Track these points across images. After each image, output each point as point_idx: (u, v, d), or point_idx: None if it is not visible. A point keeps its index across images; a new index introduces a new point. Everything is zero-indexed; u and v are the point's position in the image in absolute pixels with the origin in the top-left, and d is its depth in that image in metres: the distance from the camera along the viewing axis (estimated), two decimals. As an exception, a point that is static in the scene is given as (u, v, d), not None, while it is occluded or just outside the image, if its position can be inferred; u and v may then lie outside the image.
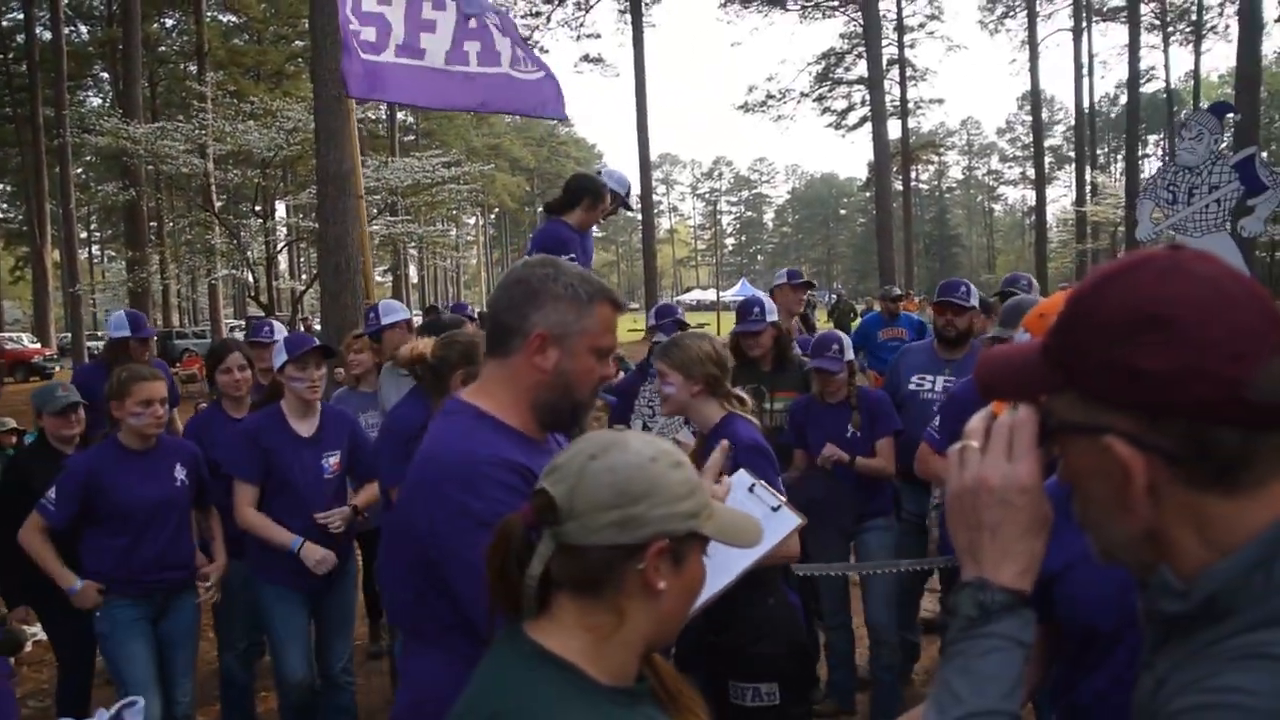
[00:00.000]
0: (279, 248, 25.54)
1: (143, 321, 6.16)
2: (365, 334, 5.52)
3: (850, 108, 46.66)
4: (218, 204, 23.47)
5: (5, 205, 49.63)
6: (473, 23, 6.21)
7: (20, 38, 36.77)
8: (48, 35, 32.58)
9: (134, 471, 4.04)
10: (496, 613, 1.35)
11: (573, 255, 5.29)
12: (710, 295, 58.17)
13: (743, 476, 2.38)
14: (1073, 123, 53.93)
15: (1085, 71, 46.45)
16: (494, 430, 1.85)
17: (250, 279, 22.98)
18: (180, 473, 4.16)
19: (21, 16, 35.24)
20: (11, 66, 39.72)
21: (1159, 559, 0.98)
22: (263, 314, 21.67)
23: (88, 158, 38.01)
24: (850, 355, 4.78)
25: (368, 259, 7.74)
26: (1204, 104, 53.48)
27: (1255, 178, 6.68)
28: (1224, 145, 7.15)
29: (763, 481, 2.38)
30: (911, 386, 5.01)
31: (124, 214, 28.71)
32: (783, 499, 2.36)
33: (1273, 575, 0.90)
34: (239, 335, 24.37)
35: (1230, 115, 8.17)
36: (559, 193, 5.59)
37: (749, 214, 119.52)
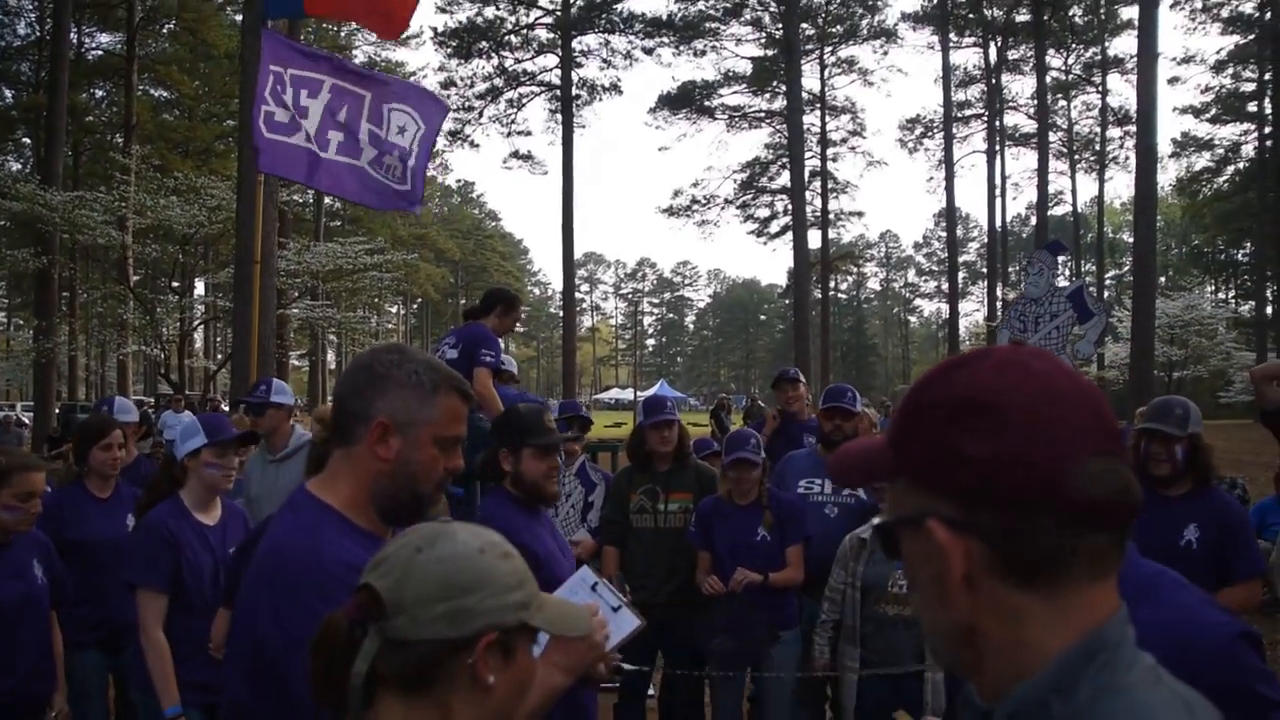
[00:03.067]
0: (194, 325, 25.16)
1: None
2: (243, 401, 5.51)
3: (773, 216, 47.48)
4: (134, 278, 23.11)
5: (-91, 266, 48.16)
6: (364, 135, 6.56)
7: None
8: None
9: None
10: (322, 713, 1.29)
11: (492, 353, 5.48)
12: (629, 394, 58.35)
13: (586, 573, 2.41)
14: (986, 240, 55.98)
15: (998, 192, 48.45)
16: (338, 528, 1.79)
17: (161, 355, 22.55)
18: (38, 569, 3.66)
19: (-57, 78, 34.76)
20: (-71, 127, 39.01)
21: (977, 660, 0.96)
22: (172, 391, 21.26)
23: (1, 223, 37.22)
24: (762, 454, 4.77)
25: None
26: (1108, 228, 56.26)
27: (1085, 306, 7.49)
28: (1060, 278, 8.05)
29: (605, 580, 2.41)
30: (800, 490, 5.10)
31: (34, 282, 28.07)
32: (625, 599, 2.38)
33: (1072, 701, 0.88)
34: (149, 411, 23.80)
35: (1065, 255, 9.38)
36: (478, 297, 5.85)
37: (670, 316, 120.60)
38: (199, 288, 32.00)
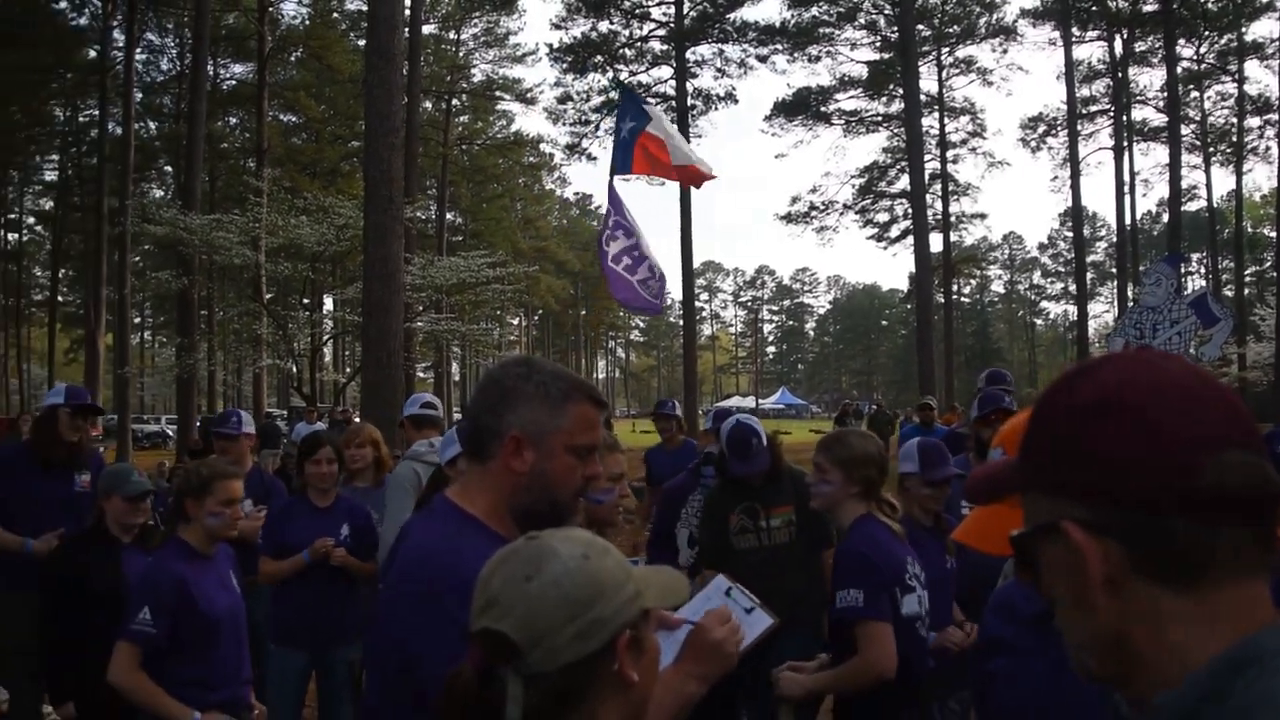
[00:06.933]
0: (324, 340, 26.03)
1: (83, 394, 5.56)
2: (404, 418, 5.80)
3: (893, 220, 46.55)
4: (267, 295, 24.05)
5: (66, 289, 51.07)
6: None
7: (94, 133, 38.43)
8: (119, 130, 33.98)
9: (208, 579, 3.60)
10: None
11: None
12: (750, 402, 58.07)
13: (721, 581, 2.45)
14: (1115, 239, 53.99)
15: (1127, 189, 46.57)
16: (479, 535, 1.76)
17: (294, 369, 23.40)
18: (233, 580, 3.79)
19: (96, 113, 36.86)
20: (83, 159, 41.46)
21: (1128, 671, 0.93)
22: (304, 403, 22.04)
23: (146, 246, 39.16)
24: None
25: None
26: (1246, 222, 53.58)
27: (1209, 312, 7.69)
28: (1181, 287, 8.25)
29: (740, 586, 2.43)
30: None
31: (176, 301, 29.51)
32: (757, 601, 2.40)
33: (1224, 709, 0.82)
34: (281, 424, 24.77)
35: (1183, 263, 9.54)
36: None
37: (790, 323, 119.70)
38: (328, 303, 33.16)
